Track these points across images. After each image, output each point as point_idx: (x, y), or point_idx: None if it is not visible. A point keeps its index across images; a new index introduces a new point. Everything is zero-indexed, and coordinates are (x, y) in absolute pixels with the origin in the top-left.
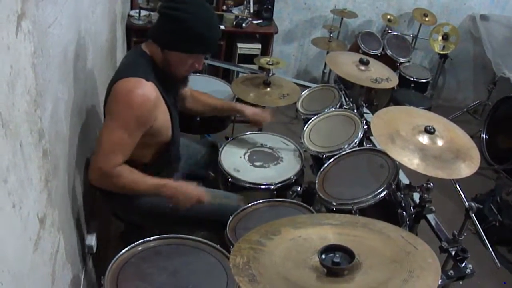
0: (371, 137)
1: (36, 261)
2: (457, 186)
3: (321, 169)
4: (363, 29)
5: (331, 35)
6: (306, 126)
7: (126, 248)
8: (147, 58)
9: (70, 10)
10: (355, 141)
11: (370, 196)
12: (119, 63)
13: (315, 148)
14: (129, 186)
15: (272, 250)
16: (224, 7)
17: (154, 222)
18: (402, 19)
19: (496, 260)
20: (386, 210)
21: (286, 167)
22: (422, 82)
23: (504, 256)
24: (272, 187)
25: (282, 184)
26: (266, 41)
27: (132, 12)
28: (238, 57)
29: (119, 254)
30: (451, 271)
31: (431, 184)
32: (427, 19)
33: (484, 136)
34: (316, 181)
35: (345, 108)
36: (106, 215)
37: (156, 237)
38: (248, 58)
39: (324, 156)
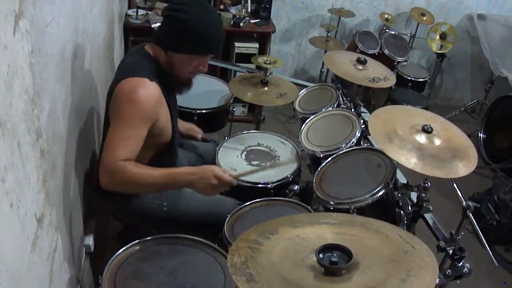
0: (368, 137)
1: (34, 261)
2: (455, 185)
3: (319, 168)
4: (360, 28)
5: (329, 34)
6: (303, 125)
7: (124, 248)
8: (151, 59)
9: (67, 9)
10: (353, 140)
11: (367, 195)
12: (119, 62)
13: (313, 147)
14: (138, 180)
15: (270, 250)
16: (222, 6)
17: (150, 224)
18: (399, 18)
19: (494, 259)
20: (384, 209)
21: (283, 166)
22: (420, 81)
23: (501, 255)
24: (269, 186)
25: (279, 183)
26: (263, 40)
27: (130, 11)
28: (236, 56)
29: (117, 253)
30: (449, 270)
31: (429, 183)
32: (424, 18)
33: (481, 135)
34: (314, 180)
35: (342, 108)
36: (104, 214)
37: (153, 236)
38: (246, 57)
39: (321, 155)
